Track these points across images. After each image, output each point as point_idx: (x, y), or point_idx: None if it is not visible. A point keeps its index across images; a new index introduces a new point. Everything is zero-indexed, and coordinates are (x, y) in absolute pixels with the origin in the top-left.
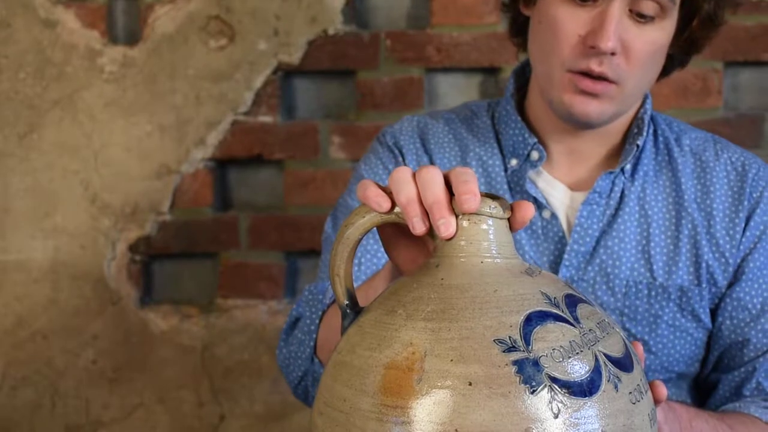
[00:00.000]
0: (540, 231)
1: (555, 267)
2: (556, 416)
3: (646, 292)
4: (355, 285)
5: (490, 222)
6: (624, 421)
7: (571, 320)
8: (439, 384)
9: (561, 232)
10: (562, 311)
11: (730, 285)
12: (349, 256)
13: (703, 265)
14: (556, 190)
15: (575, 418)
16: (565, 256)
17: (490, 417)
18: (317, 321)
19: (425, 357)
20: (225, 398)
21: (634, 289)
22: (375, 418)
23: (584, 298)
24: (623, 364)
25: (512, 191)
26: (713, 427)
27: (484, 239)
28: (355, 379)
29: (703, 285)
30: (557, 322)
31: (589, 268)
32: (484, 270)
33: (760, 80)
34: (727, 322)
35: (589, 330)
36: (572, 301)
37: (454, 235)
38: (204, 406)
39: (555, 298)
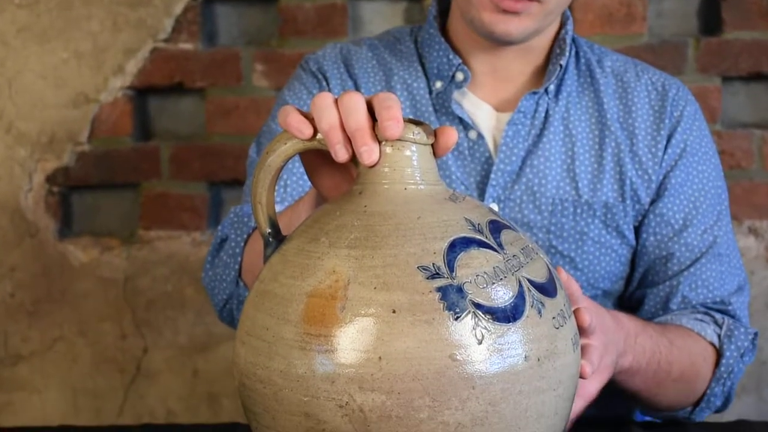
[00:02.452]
0: (467, 152)
1: (482, 187)
2: (480, 342)
3: (571, 209)
4: (279, 208)
5: (414, 148)
6: (547, 345)
7: (495, 246)
8: (362, 312)
9: (488, 152)
10: (486, 237)
11: (653, 201)
12: (270, 183)
13: (627, 182)
14: (482, 111)
15: (499, 344)
16: (492, 176)
17: (414, 344)
18: (242, 244)
19: (348, 285)
20: (148, 330)
21: (560, 207)
22: (298, 346)
23: (508, 224)
24: (547, 289)
25: (438, 113)
26: (655, 343)
27: (408, 166)
28: (278, 308)
29: (627, 201)
30: (481, 248)
31: (516, 187)
32: (407, 197)
33: (683, 6)
34: (651, 238)
35: (513, 256)
36: (496, 227)
37: (377, 162)
38: (126, 339)
39: (479, 224)
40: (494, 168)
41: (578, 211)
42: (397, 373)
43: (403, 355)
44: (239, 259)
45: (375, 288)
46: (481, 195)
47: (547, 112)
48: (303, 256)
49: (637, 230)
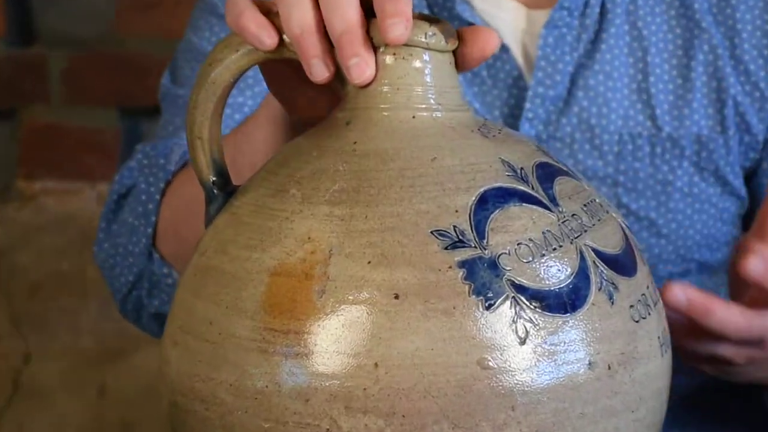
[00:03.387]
0: (485, 72)
1: (511, 122)
2: (522, 341)
3: (648, 148)
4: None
5: (427, 57)
6: (622, 347)
7: (546, 201)
8: (350, 297)
9: (516, 70)
10: (533, 188)
11: None
12: (215, 109)
13: (729, 102)
14: (504, 11)
15: (551, 344)
16: (527, 105)
17: (426, 344)
18: (158, 196)
19: (330, 258)
20: (31, 329)
21: (630, 146)
22: (257, 348)
23: (565, 168)
24: (622, 264)
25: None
26: None
27: (418, 83)
28: (228, 293)
29: (730, 132)
30: (525, 205)
31: (564, 120)
32: (417, 129)
33: None
34: None
35: (572, 215)
36: (548, 173)
37: (372, 80)
38: (0, 342)
39: (522, 168)
40: (529, 94)
41: (657, 150)
42: (402, 386)
43: (410, 360)
44: (153, 218)
45: (369, 262)
46: None
47: (603, 5)
48: (264, 217)
49: (750, 177)
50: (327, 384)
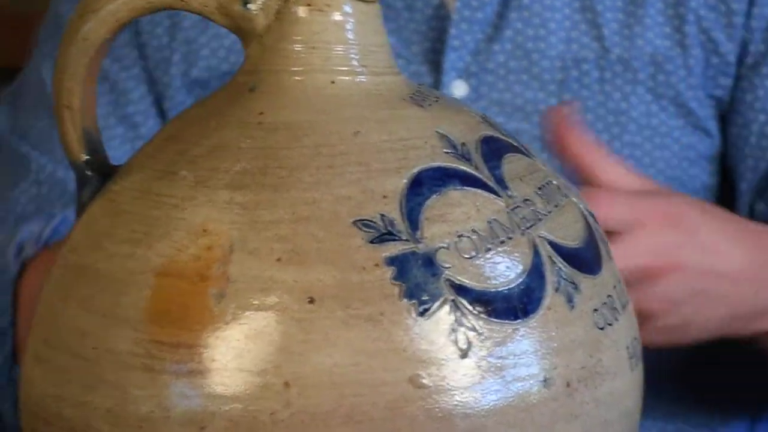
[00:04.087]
0: (400, 4)
1: (434, 57)
2: (464, 354)
3: (596, 74)
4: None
5: (349, 9)
6: (584, 360)
7: (492, 184)
8: (255, 302)
9: None
10: (476, 168)
11: (755, 61)
12: (88, 72)
13: (690, 17)
14: None
15: (498, 357)
16: (452, 32)
17: (348, 358)
18: (9, 294)
19: (231, 255)
20: None
21: (575, 72)
22: (141, 365)
23: (516, 143)
24: (584, 259)
25: None
26: None
27: (338, 41)
28: (104, 298)
29: (693, 51)
30: (467, 188)
31: (496, 47)
32: (336, 97)
33: None
34: (755, 126)
35: (524, 201)
36: (495, 149)
37: (282, 37)
38: None
39: (464, 144)
40: (454, 18)
41: (607, 75)
42: (319, 410)
43: (328, 378)
44: (10, 329)
45: (278, 260)
46: (435, 70)
47: None
48: (148, 204)
49: (729, 113)
50: (227, 408)
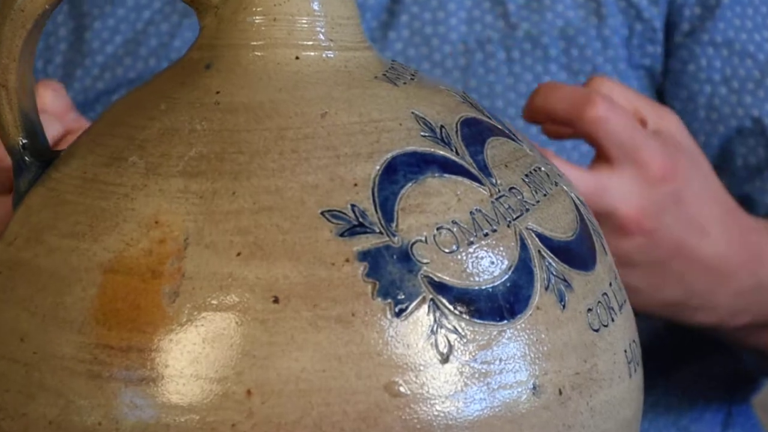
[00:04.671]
0: None
1: None
2: (444, 359)
3: (503, 54)
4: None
5: None
6: (577, 365)
7: (474, 170)
8: (213, 302)
9: None
10: (457, 153)
11: (690, 29)
12: (26, 46)
13: None
14: None
15: (482, 362)
16: None
17: (316, 363)
18: None
19: (186, 249)
20: None
21: (480, 55)
22: (86, 372)
23: (501, 125)
24: (576, 254)
25: None
26: None
27: (303, 12)
28: (45, 297)
29: (609, 19)
30: (446, 175)
31: (392, 35)
32: (301, 74)
33: None
34: (691, 105)
35: (510, 189)
36: (477, 133)
37: (240, 7)
38: None
39: (443, 127)
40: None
41: (515, 54)
42: (284, 420)
43: (294, 385)
44: None
45: (239, 255)
46: None
47: None
48: (94, 194)
49: (666, 86)
50: (182, 419)
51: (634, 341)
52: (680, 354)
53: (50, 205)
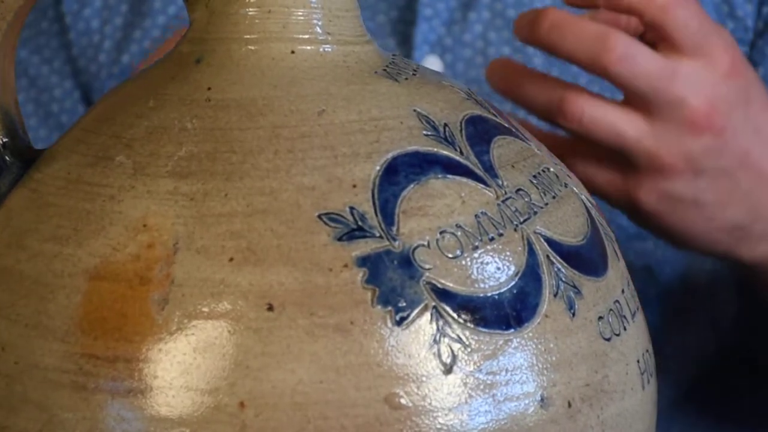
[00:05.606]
0: None
1: (404, 29)
2: (448, 369)
3: None
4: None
5: None
6: (587, 376)
7: (480, 171)
8: (205, 309)
9: None
10: (461, 153)
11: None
12: (6, 40)
13: None
14: None
15: (488, 373)
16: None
17: (313, 375)
18: None
19: (176, 254)
20: None
21: None
22: (71, 383)
23: (507, 123)
24: (587, 259)
25: None
26: None
27: (299, 4)
28: (27, 305)
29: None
30: (450, 176)
31: (473, 16)
32: (297, 69)
33: None
34: None
35: (517, 191)
36: (482, 131)
37: None
38: None
39: (446, 125)
40: None
41: None
42: None
43: (290, 398)
44: None
45: (231, 260)
46: (405, 44)
47: None
48: (79, 195)
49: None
50: None
51: (647, 351)
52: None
53: (32, 207)
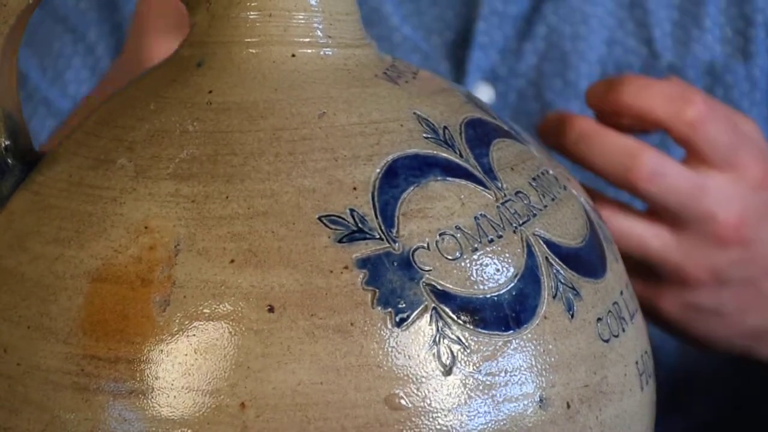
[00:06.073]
0: None
1: (458, 53)
2: (447, 370)
3: None
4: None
5: None
6: (586, 377)
7: (479, 174)
8: (206, 311)
9: None
10: (461, 155)
11: None
12: (8, 43)
13: (758, 18)
14: None
15: (487, 374)
16: (480, 26)
17: (313, 375)
18: None
19: (177, 255)
20: None
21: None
22: (72, 384)
23: (506, 126)
24: (586, 261)
25: None
26: None
27: (299, 7)
28: (29, 306)
29: (758, 58)
30: (450, 179)
31: (528, 46)
32: (298, 72)
33: None
34: None
35: (516, 193)
36: (482, 134)
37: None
38: None
39: (446, 128)
40: (483, 10)
41: None
42: None
43: (290, 399)
44: None
45: (232, 262)
46: (457, 69)
47: None
48: (81, 198)
49: None
50: None
51: (646, 353)
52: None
53: (34, 210)
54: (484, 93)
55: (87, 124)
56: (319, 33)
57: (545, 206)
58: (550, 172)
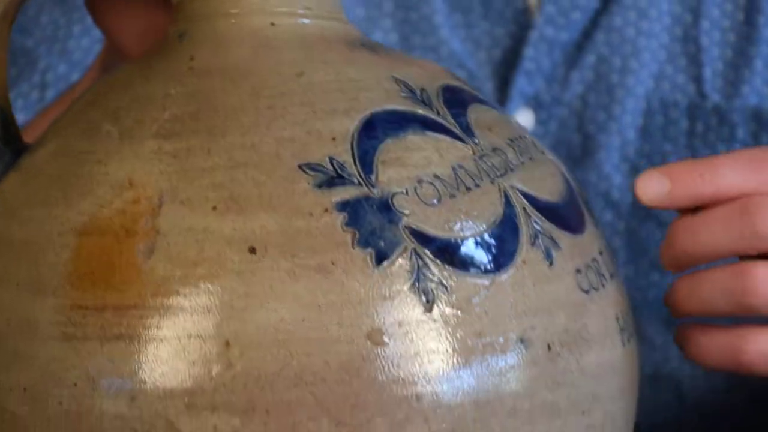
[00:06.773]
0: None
1: (504, 75)
2: (428, 308)
3: (685, 124)
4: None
5: None
6: (566, 322)
7: (457, 130)
8: (189, 256)
9: (522, 1)
10: (438, 113)
11: None
12: None
13: None
14: None
15: (466, 312)
16: (528, 51)
17: (295, 313)
18: None
19: (161, 207)
20: None
21: (661, 119)
22: (60, 335)
23: (484, 98)
24: (564, 216)
25: None
26: None
27: None
28: (19, 266)
29: None
30: (428, 133)
31: (575, 75)
32: (277, 39)
33: None
34: None
35: (493, 150)
36: (459, 99)
37: None
38: None
39: (423, 90)
40: (533, 35)
41: (698, 128)
42: (264, 372)
43: (273, 336)
44: None
45: (214, 208)
46: (501, 92)
47: None
48: (68, 163)
49: None
50: (160, 374)
51: (627, 314)
52: None
53: (24, 182)
54: (525, 118)
55: (75, 106)
56: (296, 3)
57: (522, 163)
58: (530, 139)
